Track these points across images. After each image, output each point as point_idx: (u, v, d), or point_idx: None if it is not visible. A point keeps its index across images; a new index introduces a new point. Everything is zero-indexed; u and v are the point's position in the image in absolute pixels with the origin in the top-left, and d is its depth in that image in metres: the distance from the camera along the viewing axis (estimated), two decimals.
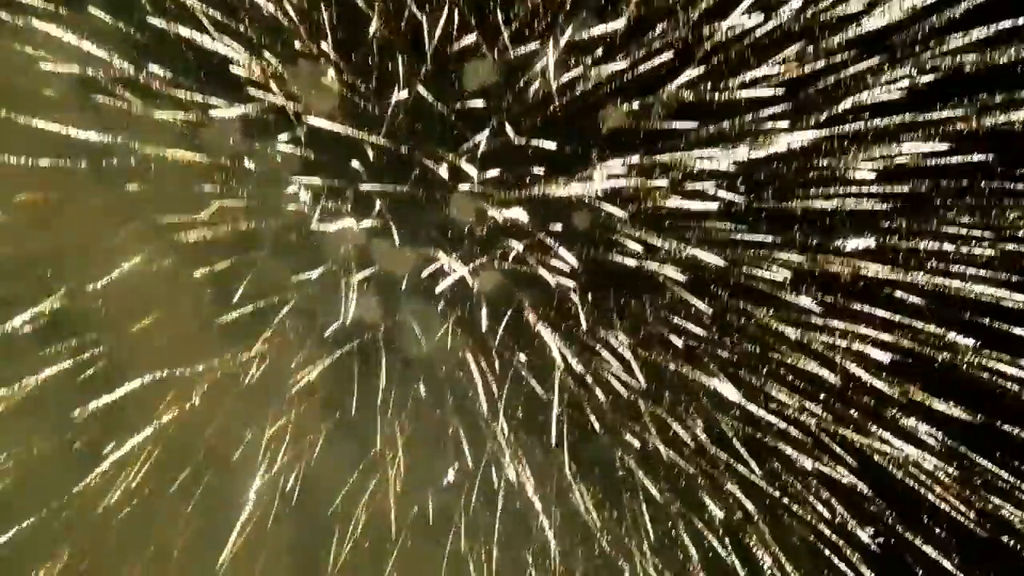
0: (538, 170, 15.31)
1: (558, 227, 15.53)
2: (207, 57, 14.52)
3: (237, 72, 14.57)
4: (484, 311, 15.70)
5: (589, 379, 15.89)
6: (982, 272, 15.54)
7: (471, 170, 15.23)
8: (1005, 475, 15.42)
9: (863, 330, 15.92)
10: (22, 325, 13.89)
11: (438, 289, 15.60)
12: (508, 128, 15.07)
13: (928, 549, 15.61)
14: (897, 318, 15.82)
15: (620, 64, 14.97)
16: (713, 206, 15.64)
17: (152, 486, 14.82)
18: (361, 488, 15.87)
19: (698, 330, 16.10)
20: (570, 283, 15.63)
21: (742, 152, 15.49)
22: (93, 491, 14.39)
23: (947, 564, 15.43)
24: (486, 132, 15.04)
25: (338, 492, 15.82)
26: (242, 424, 15.19)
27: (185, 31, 14.30)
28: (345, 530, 16.00)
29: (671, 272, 15.79)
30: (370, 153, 15.24)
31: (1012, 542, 15.42)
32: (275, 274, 15.12)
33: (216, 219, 14.60)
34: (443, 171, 15.24)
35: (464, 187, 15.33)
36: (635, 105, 15.21)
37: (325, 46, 14.71)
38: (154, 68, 14.36)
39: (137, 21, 14.20)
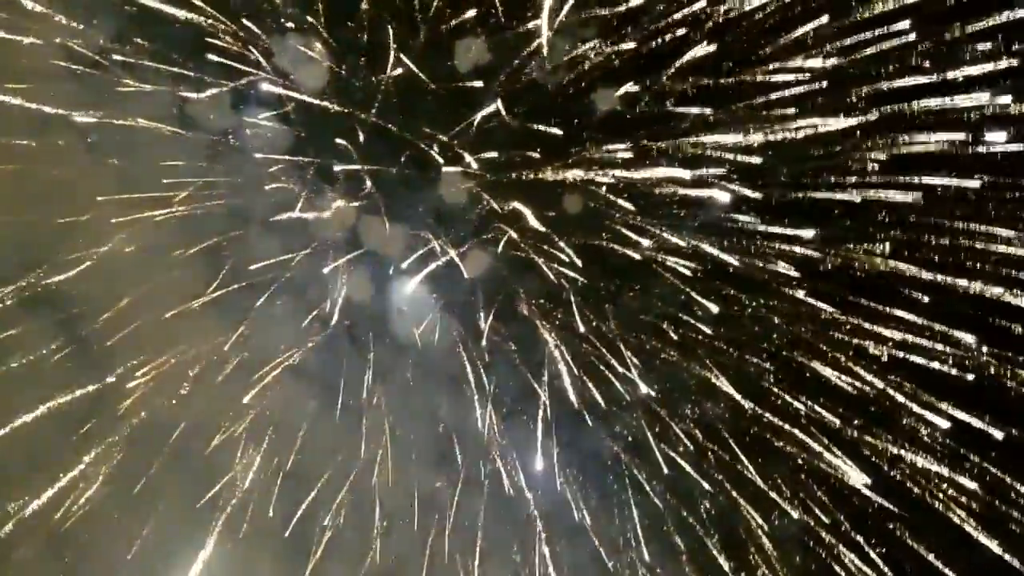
0: (533, 153, 14.94)
1: (553, 214, 15.19)
2: (195, 32, 14.14)
3: (226, 47, 14.19)
4: (475, 296, 15.46)
5: (579, 369, 15.60)
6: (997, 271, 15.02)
7: (463, 151, 14.86)
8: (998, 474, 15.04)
9: (865, 325, 15.47)
10: (3, 298, 13.67)
11: (427, 271, 15.35)
12: (502, 109, 14.66)
13: (916, 545, 15.32)
14: (900, 313, 15.36)
15: (621, 45, 14.49)
16: (715, 194, 15.21)
17: (137, 467, 14.69)
18: (346, 471, 15.72)
19: (695, 322, 15.75)
20: (565, 271, 15.33)
21: (750, 139, 15.05)
22: (77, 474, 14.25)
23: (933, 558, 15.15)
24: (480, 113, 14.67)
25: (324, 474, 15.67)
26: (228, 404, 14.99)
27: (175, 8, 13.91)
28: (331, 512, 15.90)
29: (669, 261, 15.44)
30: (360, 132, 14.92)
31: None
32: (263, 253, 14.85)
33: (202, 195, 14.32)
34: (435, 152, 14.89)
35: (456, 168, 14.96)
36: (635, 88, 14.74)
37: (315, 21, 14.31)
38: (140, 42, 13.98)
39: None
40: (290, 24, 14.33)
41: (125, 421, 14.43)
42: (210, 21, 14.02)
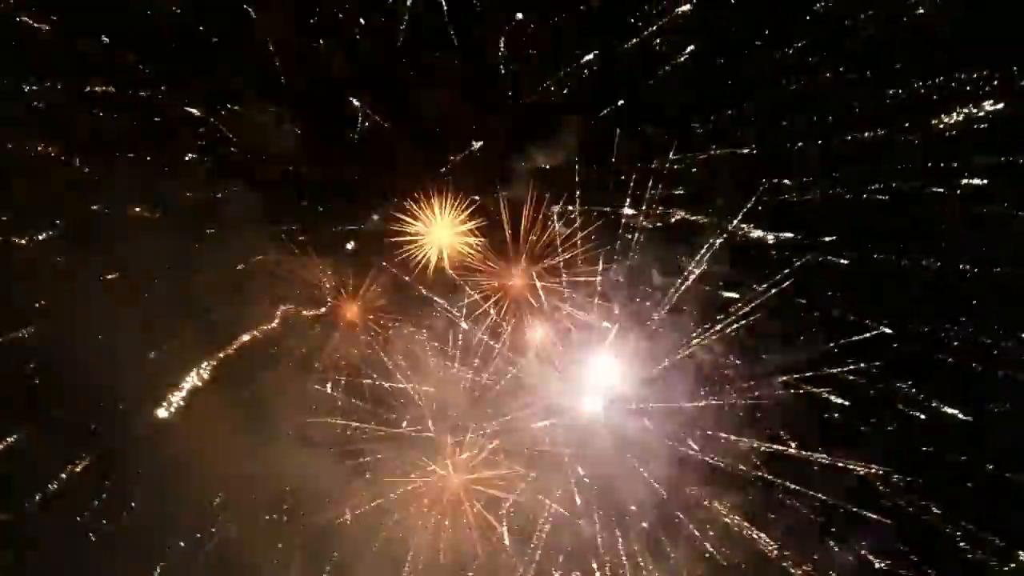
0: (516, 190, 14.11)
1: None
2: (165, 109, 13.99)
3: (195, 123, 14.02)
4: (474, 344, 14.63)
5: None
6: None
7: (444, 198, 14.14)
8: None
9: None
10: None
11: (425, 326, 14.69)
12: (478, 149, 13.91)
13: None
14: None
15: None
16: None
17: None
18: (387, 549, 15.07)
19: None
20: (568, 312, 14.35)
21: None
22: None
23: None
24: (456, 156, 13.98)
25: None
26: (248, 487, 14.71)
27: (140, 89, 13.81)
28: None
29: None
30: (336, 191, 14.45)
31: None
32: (254, 323, 14.50)
33: (186, 274, 14.10)
34: (414, 203, 14.21)
35: (441, 217, 14.20)
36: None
37: (279, 86, 13.98)
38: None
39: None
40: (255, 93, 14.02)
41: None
42: (180, 98, 13.85)
